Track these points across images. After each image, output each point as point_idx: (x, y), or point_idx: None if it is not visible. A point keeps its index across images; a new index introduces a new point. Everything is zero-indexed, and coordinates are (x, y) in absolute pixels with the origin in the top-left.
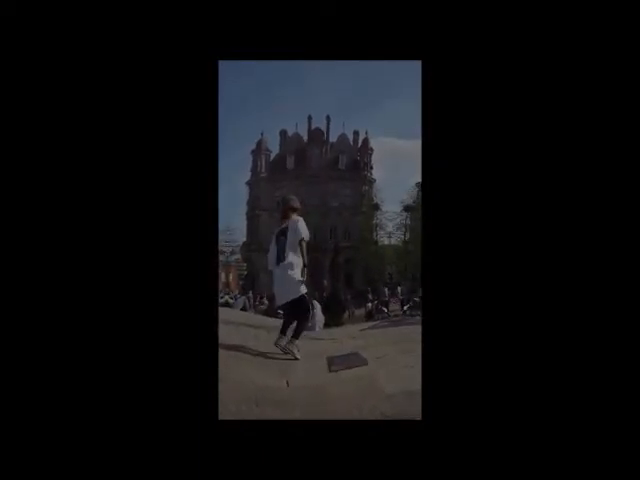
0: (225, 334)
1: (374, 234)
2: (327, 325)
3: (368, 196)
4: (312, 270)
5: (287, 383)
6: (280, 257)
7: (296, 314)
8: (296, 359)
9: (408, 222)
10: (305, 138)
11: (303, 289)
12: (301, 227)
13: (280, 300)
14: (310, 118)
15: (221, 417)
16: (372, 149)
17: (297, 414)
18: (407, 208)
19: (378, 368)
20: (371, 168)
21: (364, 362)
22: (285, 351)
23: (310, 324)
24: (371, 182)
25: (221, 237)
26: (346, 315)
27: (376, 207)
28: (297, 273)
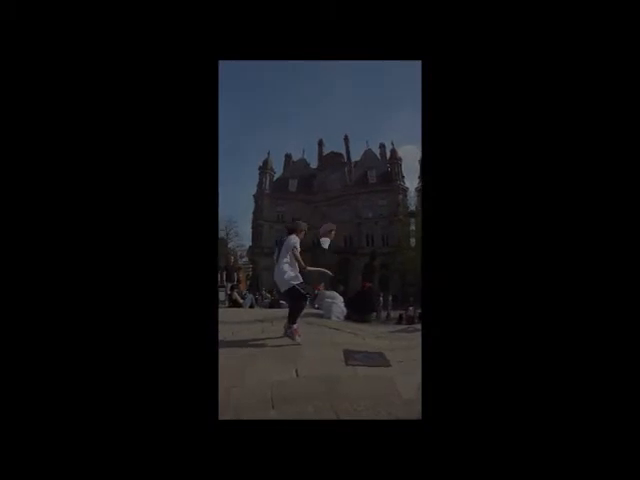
0: (235, 332)
1: (411, 240)
2: (353, 320)
3: (403, 204)
4: (342, 269)
5: (296, 373)
6: (276, 259)
7: (290, 300)
8: (297, 344)
9: (412, 228)
10: (312, 163)
11: (293, 282)
12: (290, 240)
13: (279, 289)
14: (321, 143)
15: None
16: (400, 158)
17: (309, 408)
18: (410, 214)
19: (398, 371)
20: (403, 177)
21: (386, 364)
22: (286, 335)
23: (323, 311)
24: (405, 190)
25: (231, 242)
26: (374, 315)
27: (412, 214)
28: (287, 272)
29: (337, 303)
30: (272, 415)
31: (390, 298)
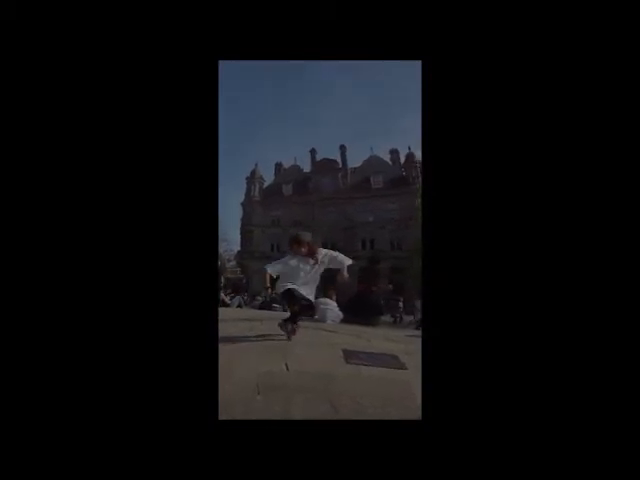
0: (222, 329)
1: None
2: (356, 323)
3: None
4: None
5: (286, 367)
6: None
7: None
8: (288, 339)
9: None
10: (305, 169)
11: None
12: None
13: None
14: (313, 151)
15: (222, 413)
16: (419, 161)
17: (300, 398)
18: None
19: (415, 375)
20: None
21: (401, 366)
22: (281, 329)
23: (317, 316)
24: None
25: (219, 247)
26: (394, 319)
27: None
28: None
29: (331, 308)
30: (258, 401)
31: (416, 304)
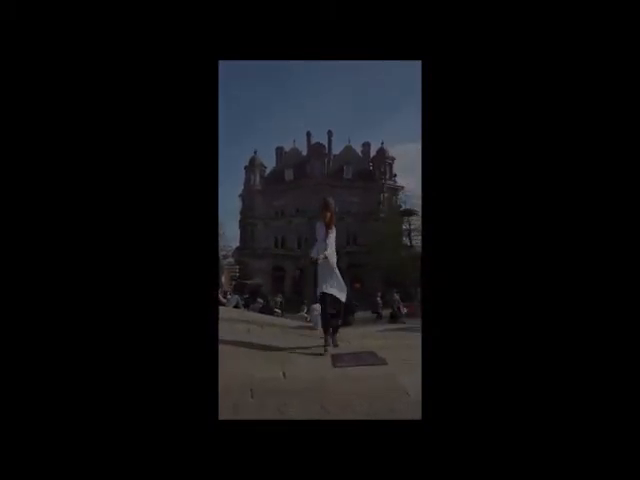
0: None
1: (406, 239)
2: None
3: (391, 203)
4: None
5: (284, 375)
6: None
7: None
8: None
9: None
10: (303, 152)
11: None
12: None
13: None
14: (309, 134)
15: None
16: (393, 158)
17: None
18: (405, 212)
19: (400, 369)
20: (395, 176)
21: (381, 362)
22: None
23: (311, 323)
24: (396, 189)
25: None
26: (376, 315)
27: (408, 213)
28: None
29: (315, 314)
30: (251, 403)
31: (397, 296)
